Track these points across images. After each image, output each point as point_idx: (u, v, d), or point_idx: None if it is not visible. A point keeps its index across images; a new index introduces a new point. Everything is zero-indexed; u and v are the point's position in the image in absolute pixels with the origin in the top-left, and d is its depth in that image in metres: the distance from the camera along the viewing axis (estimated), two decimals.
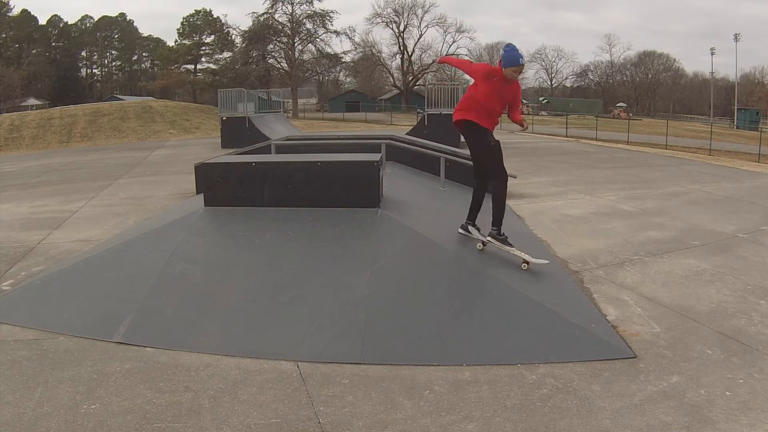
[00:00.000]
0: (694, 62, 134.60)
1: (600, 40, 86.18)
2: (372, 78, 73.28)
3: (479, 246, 5.12)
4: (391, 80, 75.16)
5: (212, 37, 70.90)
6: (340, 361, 3.68)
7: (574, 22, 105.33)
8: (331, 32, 59.83)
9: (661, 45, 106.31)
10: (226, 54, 68.39)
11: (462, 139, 25.22)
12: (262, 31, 57.36)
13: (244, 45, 60.41)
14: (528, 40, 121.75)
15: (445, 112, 21.52)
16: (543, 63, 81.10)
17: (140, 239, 5.42)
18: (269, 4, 57.20)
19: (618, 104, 62.90)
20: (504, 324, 4.04)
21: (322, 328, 3.99)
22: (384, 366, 3.63)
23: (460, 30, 75.66)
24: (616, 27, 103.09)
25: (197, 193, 8.47)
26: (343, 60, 64.70)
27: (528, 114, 57.12)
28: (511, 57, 4.74)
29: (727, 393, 3.25)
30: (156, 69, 76.67)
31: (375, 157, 5.91)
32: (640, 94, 77.55)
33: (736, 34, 58.29)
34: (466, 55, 74.70)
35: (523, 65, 4.83)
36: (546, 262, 5.08)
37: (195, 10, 70.07)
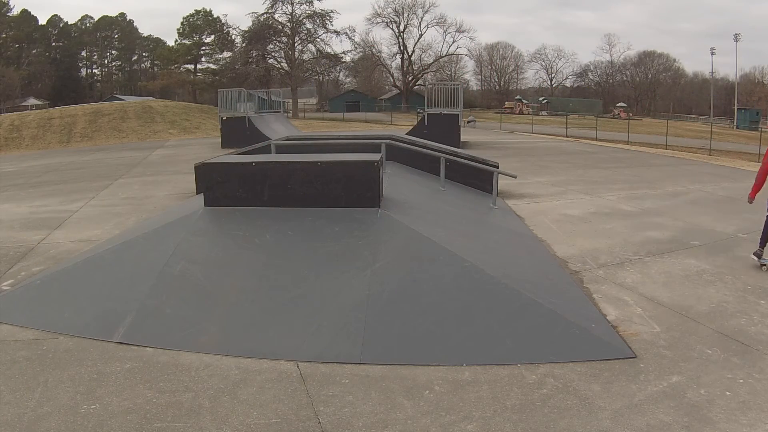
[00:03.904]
0: (700, 62, 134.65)
1: (605, 39, 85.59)
2: (372, 78, 73.25)
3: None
4: (391, 80, 75.14)
5: (212, 37, 70.89)
6: (340, 361, 3.68)
7: (584, 20, 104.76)
8: (331, 32, 59.79)
9: (670, 44, 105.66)
10: (226, 54, 68.36)
11: (462, 138, 24.98)
12: (262, 31, 57.33)
13: (244, 45, 60.37)
14: (535, 39, 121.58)
15: (445, 112, 21.54)
16: (543, 63, 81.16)
17: (140, 239, 5.42)
18: (269, 4, 57.18)
19: (618, 104, 62.87)
20: (504, 324, 4.04)
21: (322, 328, 3.99)
22: (384, 366, 3.63)
23: (460, 30, 75.66)
24: (626, 25, 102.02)
25: (197, 193, 8.47)
26: (343, 60, 64.65)
27: (528, 114, 57.11)
28: None
29: (727, 393, 3.26)
30: (156, 69, 76.63)
31: (375, 157, 5.91)
32: (640, 94, 77.51)
33: (736, 34, 58.26)
34: (466, 54, 74.81)
35: None
36: None
37: (195, 10, 70.08)
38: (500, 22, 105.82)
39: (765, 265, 5.65)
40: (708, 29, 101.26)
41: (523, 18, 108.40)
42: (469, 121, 37.16)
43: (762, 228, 5.70)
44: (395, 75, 74.13)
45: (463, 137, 21.93)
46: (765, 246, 5.68)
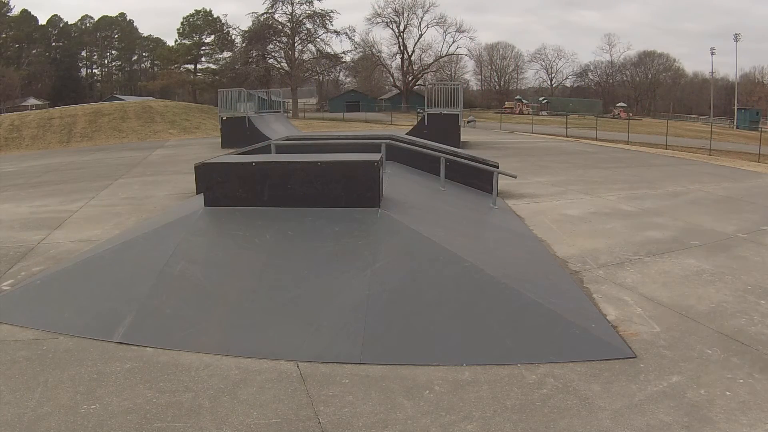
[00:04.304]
0: (702, 62, 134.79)
1: (606, 39, 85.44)
2: (372, 78, 73.26)
3: None
4: (391, 80, 75.16)
5: (212, 37, 70.93)
6: (340, 361, 3.68)
7: (588, 20, 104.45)
8: (331, 32, 59.81)
9: (673, 44, 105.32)
10: (226, 54, 68.40)
11: (462, 138, 24.94)
12: (262, 31, 57.36)
13: (244, 45, 60.43)
14: (539, 38, 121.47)
15: (445, 112, 21.55)
16: (543, 63, 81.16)
17: (140, 239, 5.42)
18: (269, 4, 57.21)
19: (618, 104, 62.88)
20: (504, 324, 4.04)
21: (322, 328, 3.99)
22: (384, 366, 3.62)
23: (460, 30, 75.63)
24: (630, 25, 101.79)
25: (197, 193, 8.47)
26: (343, 60, 64.68)
27: (528, 114, 57.08)
28: None
29: (727, 393, 3.25)
30: (156, 69, 76.64)
31: (375, 157, 5.91)
32: (640, 94, 77.52)
33: (736, 33, 58.25)
34: (466, 54, 74.83)
35: None
36: None
37: (195, 10, 70.12)
38: (503, 22, 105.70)
39: None
40: (711, 29, 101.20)
41: (527, 17, 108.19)
42: (469, 121, 37.16)
43: None
44: (395, 75, 74.16)
45: (463, 137, 21.93)
46: None
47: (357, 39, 70.47)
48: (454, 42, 73.02)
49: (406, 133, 16.30)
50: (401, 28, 69.50)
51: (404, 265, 4.63)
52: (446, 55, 72.85)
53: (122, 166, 16.41)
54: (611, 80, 79.63)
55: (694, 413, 3.04)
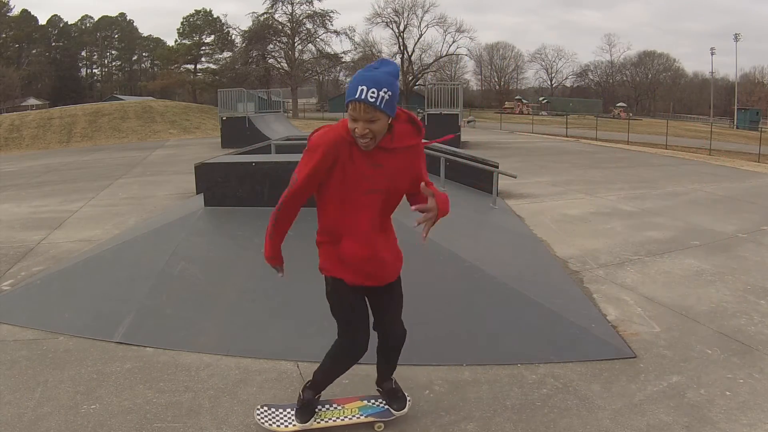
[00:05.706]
0: (704, 62, 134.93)
1: (606, 39, 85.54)
2: None
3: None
4: None
5: (212, 37, 71.02)
6: None
7: (589, 19, 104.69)
8: (331, 32, 59.94)
9: (674, 43, 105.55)
10: (226, 54, 68.49)
11: (462, 138, 24.93)
12: (262, 31, 57.41)
13: (244, 45, 60.50)
14: (539, 38, 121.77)
15: (446, 112, 21.56)
16: (543, 63, 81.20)
17: (140, 239, 5.42)
18: (269, 4, 57.28)
19: (618, 104, 62.89)
20: (504, 324, 4.04)
21: (322, 328, 3.99)
22: None
23: (460, 30, 75.78)
24: (630, 25, 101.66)
25: (197, 193, 8.47)
26: (343, 60, 64.77)
27: (528, 114, 57.01)
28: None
29: (727, 393, 3.25)
30: (156, 69, 76.71)
31: None
32: (640, 94, 77.57)
33: (736, 33, 58.32)
34: (466, 54, 74.82)
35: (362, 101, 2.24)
36: None
37: (195, 10, 70.20)
38: (503, 22, 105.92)
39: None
40: (711, 29, 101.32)
41: (528, 17, 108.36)
42: (468, 121, 37.19)
43: None
44: None
45: (463, 137, 21.94)
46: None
47: (357, 39, 70.61)
48: (454, 42, 73.14)
49: None
50: (401, 28, 69.60)
51: (404, 265, 4.62)
52: (446, 55, 72.94)
53: (122, 166, 16.42)
54: (611, 80, 79.68)
55: (694, 413, 3.04)
